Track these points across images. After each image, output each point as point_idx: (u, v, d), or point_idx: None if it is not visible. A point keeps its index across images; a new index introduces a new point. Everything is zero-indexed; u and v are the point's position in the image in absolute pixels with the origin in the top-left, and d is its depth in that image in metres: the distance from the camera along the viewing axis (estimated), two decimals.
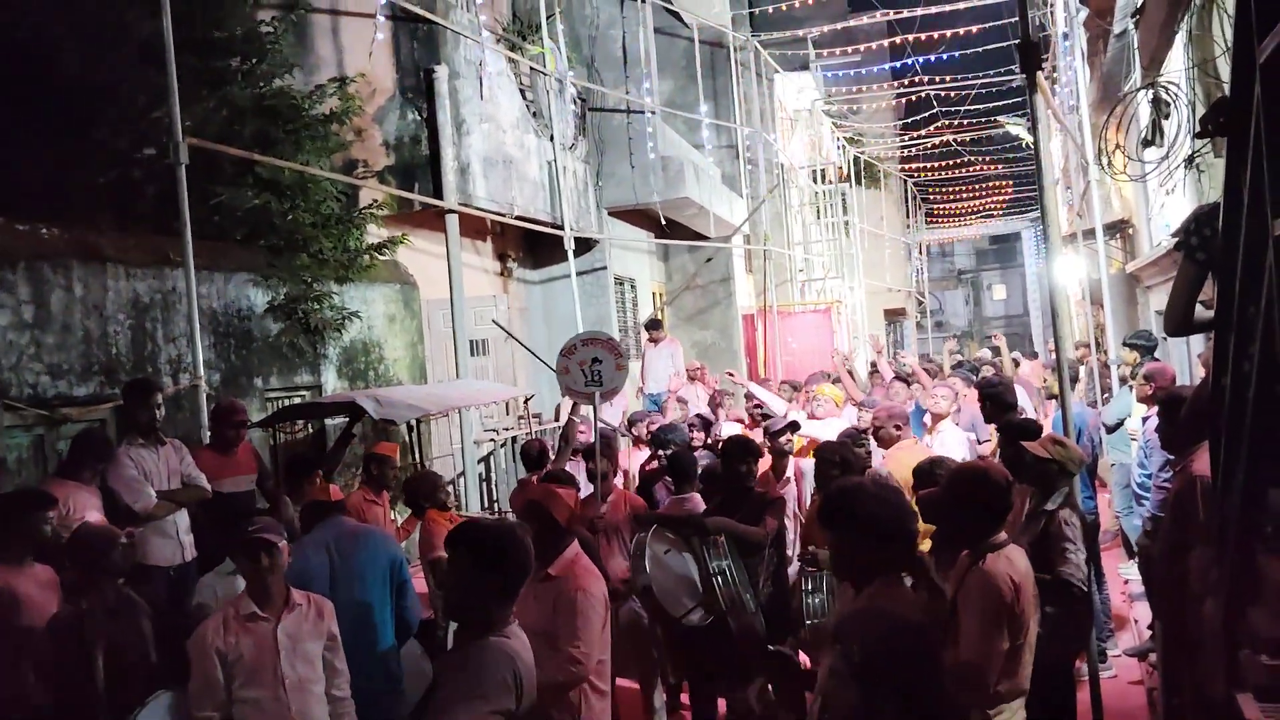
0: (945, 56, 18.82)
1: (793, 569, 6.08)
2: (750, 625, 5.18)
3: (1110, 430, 8.04)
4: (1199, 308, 3.90)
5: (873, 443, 6.83)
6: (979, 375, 9.46)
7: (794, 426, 7.33)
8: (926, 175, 30.86)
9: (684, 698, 6.48)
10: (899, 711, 2.23)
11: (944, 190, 33.07)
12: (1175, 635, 4.65)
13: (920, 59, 19.22)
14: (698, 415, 9.24)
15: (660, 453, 7.44)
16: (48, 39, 7.47)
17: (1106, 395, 10.34)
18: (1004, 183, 30.74)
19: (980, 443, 7.63)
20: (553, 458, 7.49)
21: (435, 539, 6.21)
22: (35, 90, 7.26)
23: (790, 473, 7.04)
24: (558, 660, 4.04)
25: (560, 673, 4.03)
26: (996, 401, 6.91)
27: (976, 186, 31.69)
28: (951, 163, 28.31)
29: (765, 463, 6.79)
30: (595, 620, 4.17)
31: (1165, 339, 11.13)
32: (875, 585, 3.26)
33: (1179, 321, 3.93)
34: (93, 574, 4.61)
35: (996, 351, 12.08)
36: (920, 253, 36.47)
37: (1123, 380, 9.19)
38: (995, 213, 35.22)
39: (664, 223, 14.21)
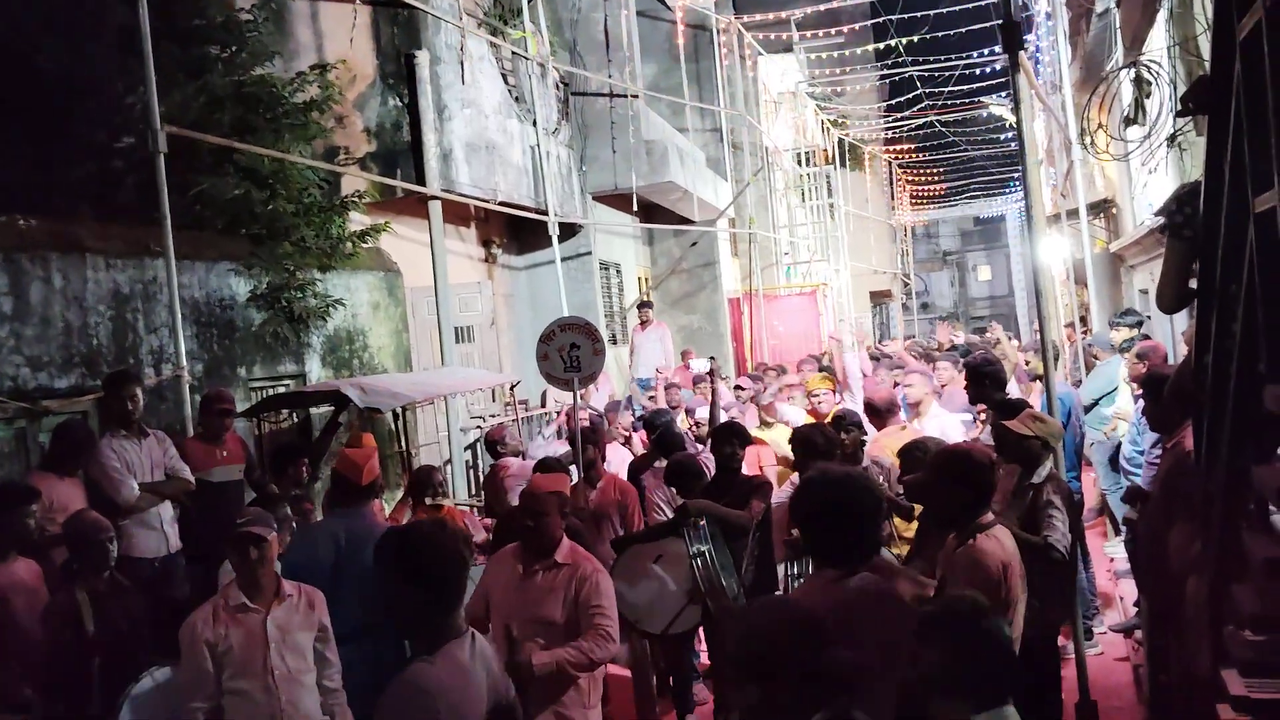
0: (929, 37, 18.77)
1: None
2: (729, 609, 5.18)
3: (1087, 409, 8.07)
4: (1192, 283, 3.92)
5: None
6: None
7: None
8: (911, 157, 30.87)
9: (671, 682, 6.50)
10: (795, 704, 2.29)
11: (929, 171, 33.09)
12: (1161, 611, 4.69)
13: (903, 40, 19.16)
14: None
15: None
16: (22, 28, 7.38)
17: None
18: (988, 163, 30.77)
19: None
20: (523, 445, 7.48)
21: None
22: (10, 80, 7.18)
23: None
24: (593, 638, 4.04)
25: (597, 650, 4.03)
26: (981, 381, 6.93)
27: (961, 167, 31.73)
28: (936, 144, 28.31)
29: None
30: (614, 597, 4.21)
31: (1150, 317, 11.18)
32: (810, 576, 3.24)
33: (1173, 298, 3.96)
34: (88, 562, 4.63)
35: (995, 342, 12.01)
36: (905, 235, 36.51)
37: (1095, 357, 9.23)
38: (980, 194, 35.29)
39: (636, 208, 14.13)
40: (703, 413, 8.83)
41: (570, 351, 7.27)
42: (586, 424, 6.99)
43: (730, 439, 5.93)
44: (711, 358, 11.41)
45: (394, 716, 2.70)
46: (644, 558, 5.43)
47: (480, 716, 2.79)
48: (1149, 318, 11.23)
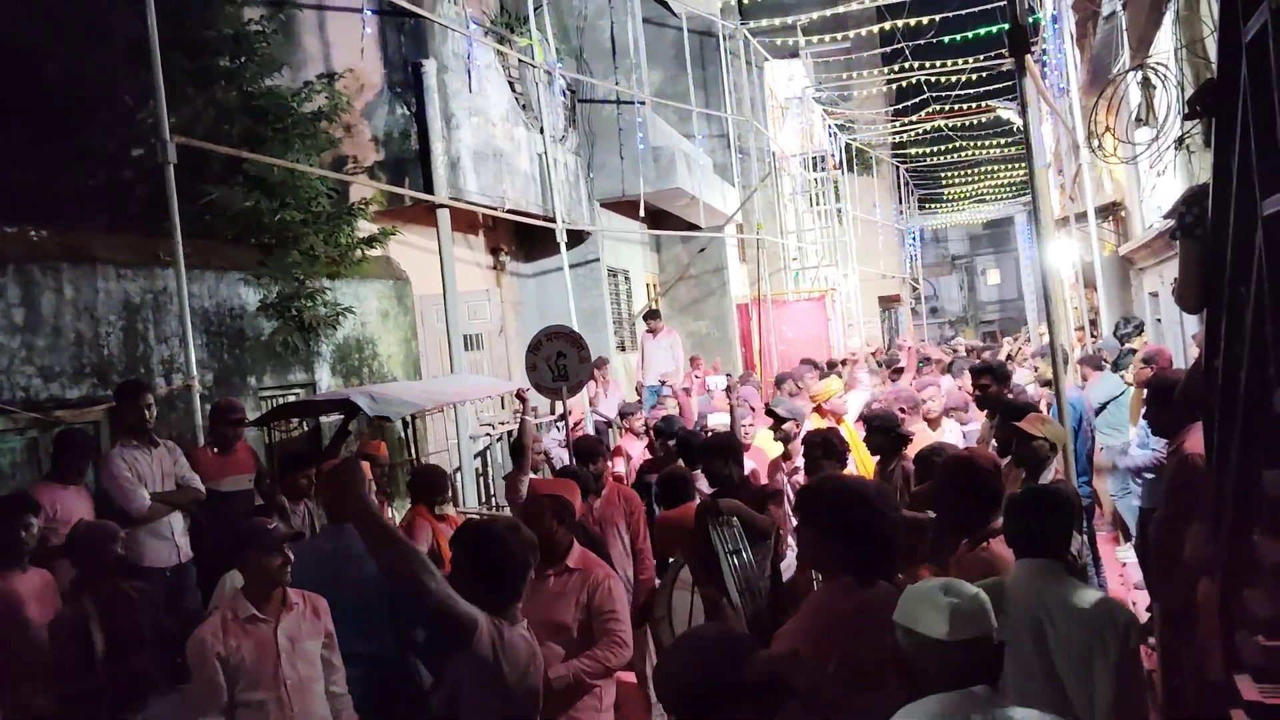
0: (935, 41, 18.75)
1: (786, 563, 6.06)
2: (759, 614, 5.12)
3: (1096, 413, 8.05)
4: None
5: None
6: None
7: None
8: (919, 161, 30.84)
9: None
10: None
11: (937, 176, 33.04)
12: (1173, 616, 4.66)
13: (910, 44, 19.15)
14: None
15: (666, 442, 7.41)
16: (31, 40, 7.41)
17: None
18: (996, 167, 30.70)
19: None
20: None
21: (414, 535, 6.12)
22: (20, 92, 7.21)
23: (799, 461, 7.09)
24: (607, 645, 4.06)
25: (612, 658, 4.07)
26: (992, 380, 6.91)
27: (969, 171, 31.68)
28: (944, 148, 28.28)
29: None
30: (626, 602, 4.23)
31: (1160, 321, 11.15)
32: (824, 583, 3.19)
33: (1197, 298, 3.95)
34: (92, 571, 4.63)
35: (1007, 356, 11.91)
36: (914, 239, 36.48)
37: (1104, 360, 9.20)
38: (988, 197, 35.22)
39: (643, 214, 14.15)
40: (716, 420, 8.80)
41: (558, 360, 7.26)
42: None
43: (722, 454, 5.77)
44: (729, 374, 11.39)
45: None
46: None
47: (540, 686, 3.15)
48: (1158, 320, 11.20)
